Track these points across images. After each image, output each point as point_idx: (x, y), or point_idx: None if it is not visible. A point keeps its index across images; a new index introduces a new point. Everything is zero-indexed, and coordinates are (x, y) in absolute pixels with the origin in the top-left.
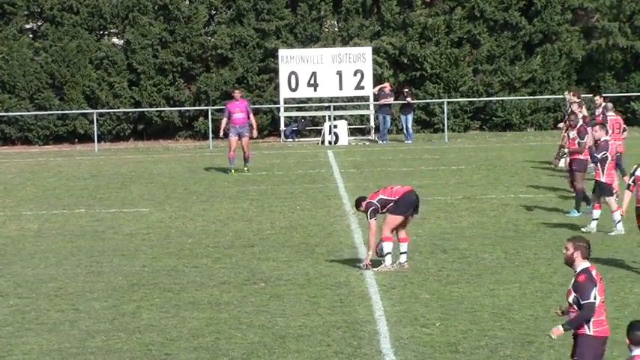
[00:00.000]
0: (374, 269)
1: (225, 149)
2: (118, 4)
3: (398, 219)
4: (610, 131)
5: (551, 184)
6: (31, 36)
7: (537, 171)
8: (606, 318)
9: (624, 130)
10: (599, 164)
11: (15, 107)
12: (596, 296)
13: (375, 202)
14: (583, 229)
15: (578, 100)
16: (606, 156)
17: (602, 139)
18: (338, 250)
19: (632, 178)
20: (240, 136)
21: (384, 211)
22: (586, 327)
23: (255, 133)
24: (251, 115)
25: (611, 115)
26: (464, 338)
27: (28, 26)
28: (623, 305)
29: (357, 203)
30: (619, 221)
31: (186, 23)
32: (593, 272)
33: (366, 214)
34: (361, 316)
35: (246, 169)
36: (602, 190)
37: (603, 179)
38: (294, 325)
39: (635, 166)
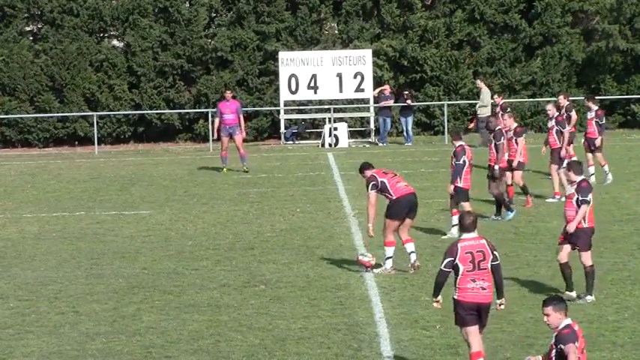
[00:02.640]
0: (375, 271)
1: None
2: (118, 6)
3: (395, 223)
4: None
5: (551, 186)
6: (31, 38)
7: (537, 173)
8: (478, 289)
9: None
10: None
11: (15, 110)
12: (456, 265)
13: (378, 179)
14: (445, 236)
15: (567, 103)
16: (464, 161)
17: (457, 145)
18: (338, 252)
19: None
20: (231, 135)
21: (380, 192)
22: (453, 291)
23: (243, 134)
24: (240, 117)
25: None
26: (464, 341)
27: (28, 29)
28: (623, 308)
29: (362, 169)
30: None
31: (187, 26)
32: (464, 243)
33: (367, 185)
34: (361, 318)
35: (244, 169)
36: (459, 195)
37: (461, 184)
38: (294, 327)
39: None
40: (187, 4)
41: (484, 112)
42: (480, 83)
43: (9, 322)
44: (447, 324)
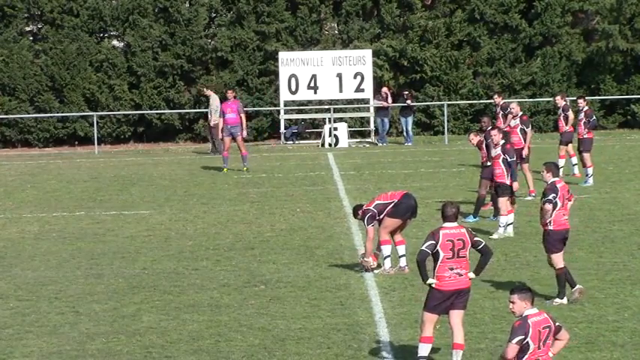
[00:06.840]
0: (375, 271)
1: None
2: (118, 6)
3: (396, 222)
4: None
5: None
6: (31, 38)
7: (537, 173)
8: (455, 276)
9: None
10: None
11: (15, 110)
12: (437, 252)
13: (371, 208)
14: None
15: (564, 104)
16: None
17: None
18: (338, 252)
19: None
20: (233, 135)
21: (381, 216)
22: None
23: (244, 133)
24: (242, 116)
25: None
26: (464, 341)
27: (28, 29)
28: (623, 308)
29: (354, 212)
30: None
31: (187, 26)
32: (445, 231)
33: (363, 220)
34: (361, 318)
35: (245, 169)
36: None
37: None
38: (294, 327)
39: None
40: (187, 4)
41: (214, 118)
42: (207, 91)
43: (9, 322)
44: (446, 324)
